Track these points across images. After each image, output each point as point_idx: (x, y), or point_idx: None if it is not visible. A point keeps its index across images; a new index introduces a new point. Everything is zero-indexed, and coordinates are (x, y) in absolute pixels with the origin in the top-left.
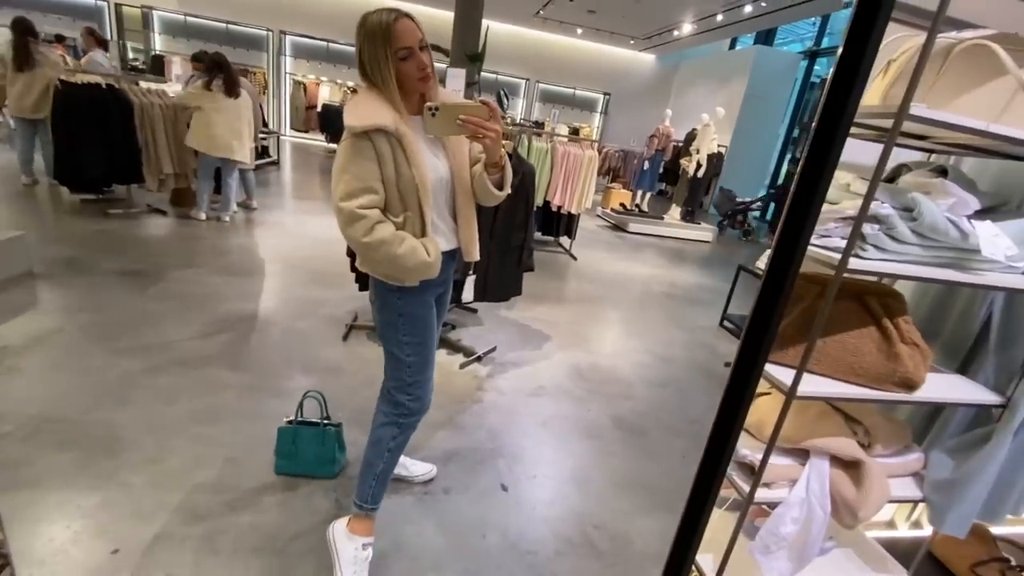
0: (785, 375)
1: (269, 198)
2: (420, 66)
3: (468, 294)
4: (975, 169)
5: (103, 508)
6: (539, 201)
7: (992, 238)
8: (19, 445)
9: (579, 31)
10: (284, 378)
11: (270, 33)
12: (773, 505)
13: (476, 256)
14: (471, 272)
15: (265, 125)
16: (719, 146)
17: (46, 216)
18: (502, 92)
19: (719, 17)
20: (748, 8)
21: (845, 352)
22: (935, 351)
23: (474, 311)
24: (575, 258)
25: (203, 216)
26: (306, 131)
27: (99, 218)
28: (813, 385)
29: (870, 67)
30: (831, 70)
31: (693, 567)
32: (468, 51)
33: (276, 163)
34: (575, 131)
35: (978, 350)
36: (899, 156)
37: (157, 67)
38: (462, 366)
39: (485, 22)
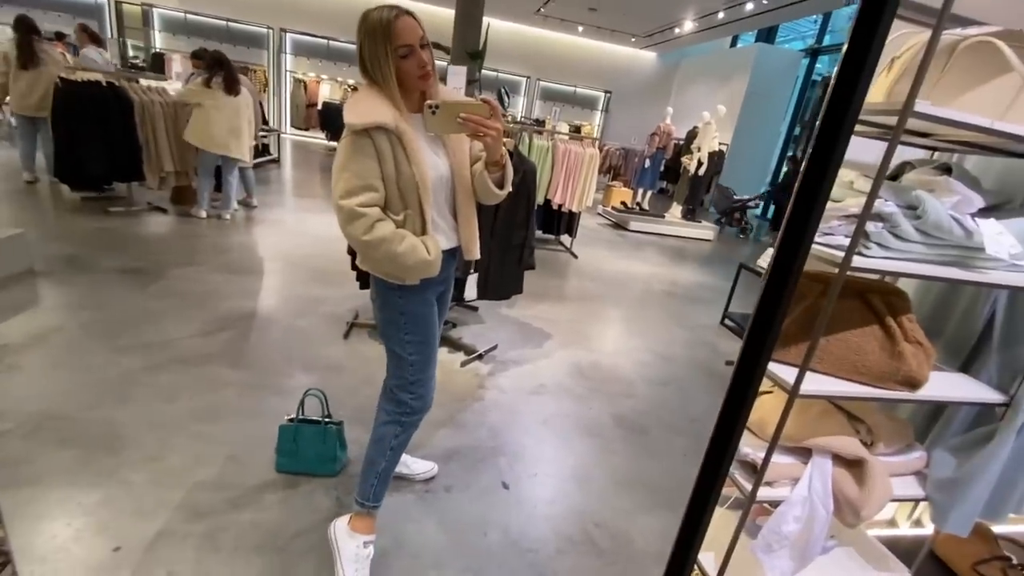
0: (788, 373)
1: (270, 196)
2: (420, 64)
3: (471, 292)
4: (979, 167)
5: (104, 505)
6: (540, 199)
7: (996, 236)
8: (20, 442)
9: (580, 29)
10: (285, 376)
11: (270, 31)
12: (775, 504)
13: (476, 255)
14: (472, 271)
15: (265, 123)
16: (720, 144)
17: (47, 214)
18: (503, 90)
19: (720, 15)
20: (749, 6)
21: (848, 351)
22: (938, 349)
23: (475, 309)
24: (576, 256)
25: (204, 214)
26: (306, 129)
27: (100, 216)
28: (816, 384)
29: (875, 64)
30: (836, 67)
31: (695, 566)
32: (469, 49)
33: (276, 161)
34: (576, 129)
35: (981, 348)
36: (903, 154)
37: (157, 65)
38: (463, 364)
39: (486, 20)
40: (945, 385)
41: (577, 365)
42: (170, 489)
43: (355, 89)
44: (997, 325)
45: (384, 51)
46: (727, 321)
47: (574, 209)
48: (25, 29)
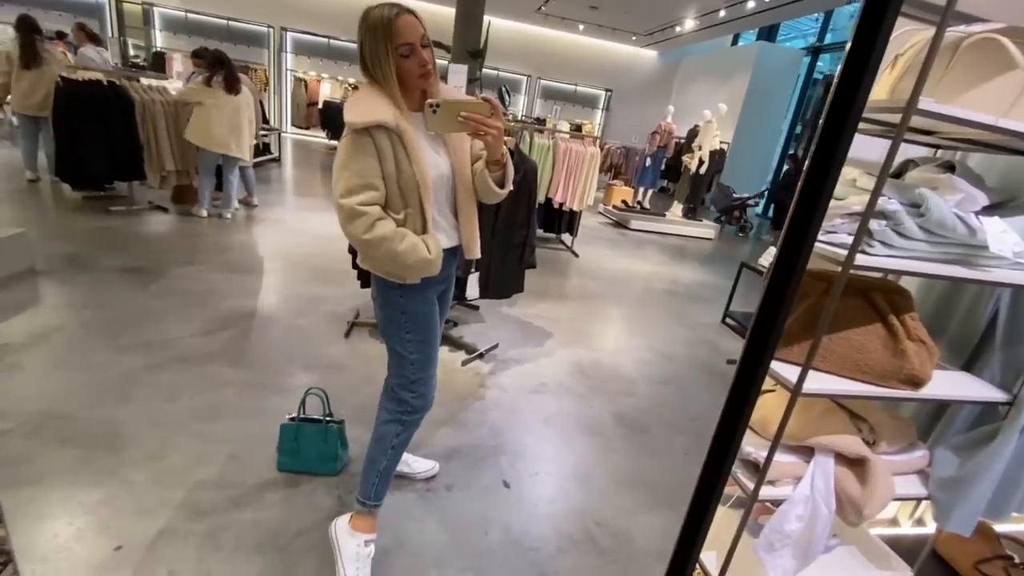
0: (790, 372)
1: (270, 195)
2: (421, 63)
3: (472, 291)
4: (982, 165)
5: (105, 504)
6: (541, 198)
7: (1000, 234)
8: (21, 442)
9: (581, 27)
10: (286, 375)
11: (271, 30)
12: (777, 503)
13: (477, 254)
14: (473, 269)
15: (266, 122)
16: (721, 143)
17: (48, 213)
18: (504, 89)
19: (721, 13)
20: (751, 4)
21: (851, 349)
22: (940, 348)
23: (476, 308)
24: (577, 255)
25: (205, 213)
26: (307, 128)
27: (101, 215)
28: (818, 382)
29: (879, 61)
30: (840, 64)
31: (696, 565)
32: (470, 47)
33: (277, 160)
34: (578, 128)
35: (984, 347)
36: (906, 151)
37: (158, 64)
38: (464, 363)
39: (487, 18)
40: (948, 384)
41: (578, 364)
42: (171, 488)
43: (356, 88)
44: (1000, 323)
45: (385, 49)
46: (728, 320)
47: (575, 208)
48: (27, 29)
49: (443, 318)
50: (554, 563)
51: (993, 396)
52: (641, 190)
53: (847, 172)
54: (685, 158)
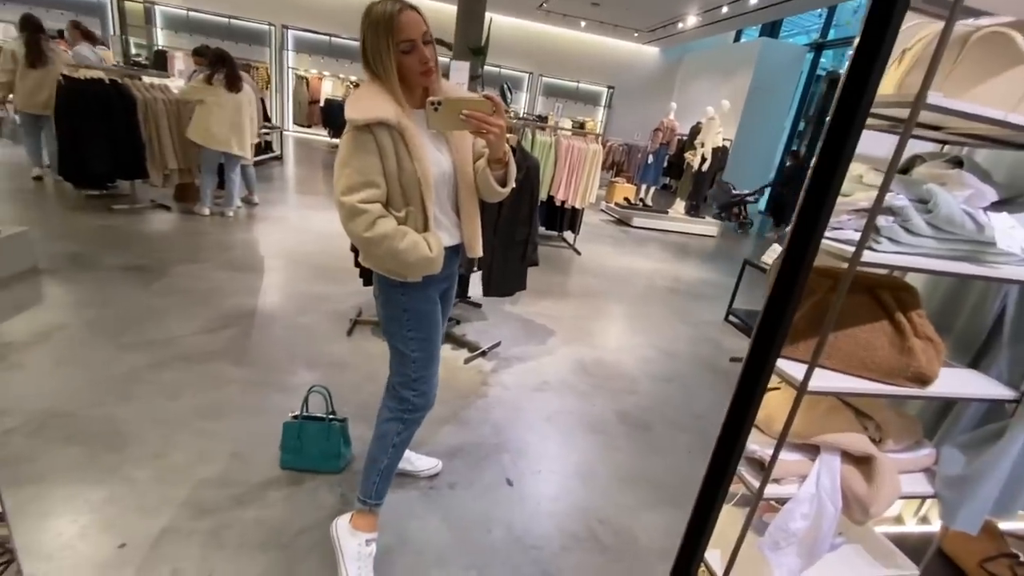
0: (796, 370)
1: (272, 193)
2: (422, 60)
3: (475, 290)
4: (989, 160)
5: (109, 502)
6: (543, 196)
7: (1008, 230)
8: (24, 440)
9: (582, 24)
10: (288, 373)
11: (272, 28)
12: (782, 501)
13: (479, 252)
14: (475, 268)
15: (267, 120)
16: (724, 140)
17: (50, 212)
18: (505, 86)
19: (724, 9)
20: (753, 0)
21: (857, 347)
22: (947, 345)
23: (478, 306)
24: (579, 253)
25: (207, 211)
26: (309, 126)
27: (103, 214)
28: (825, 380)
29: (888, 56)
30: (848, 59)
31: (701, 563)
32: (471, 44)
33: (279, 158)
34: (581, 125)
35: (991, 344)
36: (913, 147)
37: (160, 62)
38: (466, 361)
39: (488, 15)
40: (955, 381)
41: (580, 362)
42: (174, 486)
43: (357, 86)
44: (1008, 320)
45: (386, 45)
46: (731, 317)
47: (577, 205)
48: (32, 28)
49: (446, 316)
50: (557, 561)
51: (1000, 394)
52: (643, 187)
53: (853, 168)
54: (688, 155)
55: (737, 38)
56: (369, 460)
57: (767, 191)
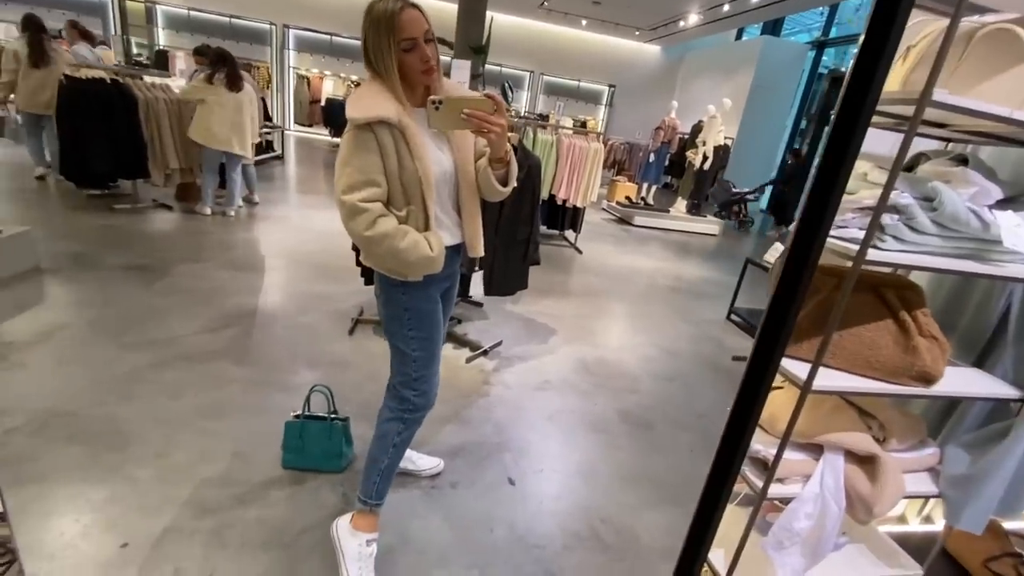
0: (800, 369)
1: (273, 192)
2: (424, 58)
3: (476, 290)
4: (993, 158)
5: (111, 502)
6: (544, 194)
7: (1014, 228)
8: (27, 439)
9: (584, 22)
10: (290, 373)
11: (273, 27)
12: (786, 501)
13: (480, 251)
14: (477, 268)
15: (269, 119)
16: (726, 138)
17: (52, 211)
18: (506, 85)
19: (725, 7)
20: None
21: (861, 346)
22: (951, 344)
23: (480, 305)
24: (580, 251)
25: (208, 211)
26: (310, 125)
27: (105, 213)
28: (829, 379)
29: (893, 53)
30: (853, 55)
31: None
32: (472, 43)
33: (280, 157)
34: (583, 124)
35: (996, 343)
36: (917, 144)
37: (161, 62)
38: (468, 360)
39: (489, 14)
40: (959, 380)
41: (582, 361)
42: (176, 485)
43: (358, 85)
44: (1012, 319)
45: (387, 43)
46: (733, 316)
47: (578, 204)
48: (34, 28)
49: (447, 316)
50: (560, 560)
51: (1005, 393)
52: (645, 186)
53: (858, 166)
54: (689, 154)
55: (738, 36)
56: (370, 460)
57: (768, 189)
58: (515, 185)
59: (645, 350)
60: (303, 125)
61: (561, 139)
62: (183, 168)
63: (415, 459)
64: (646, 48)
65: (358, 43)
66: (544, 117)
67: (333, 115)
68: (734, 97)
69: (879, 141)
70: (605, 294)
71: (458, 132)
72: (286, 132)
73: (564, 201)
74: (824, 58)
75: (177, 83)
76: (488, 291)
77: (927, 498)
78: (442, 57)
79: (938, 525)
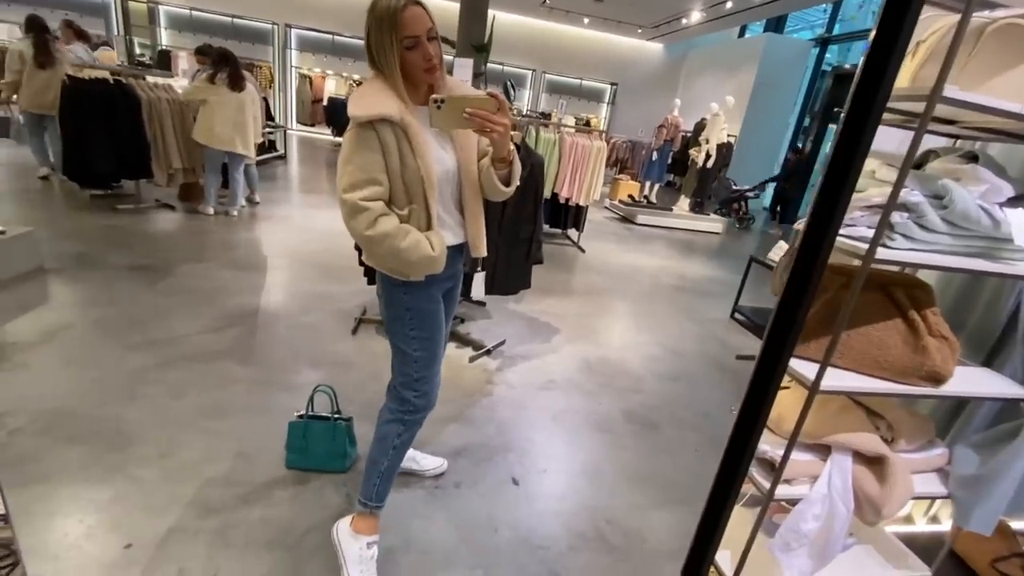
0: (807, 369)
1: (276, 192)
2: (426, 56)
3: (478, 291)
4: (1002, 154)
5: (115, 502)
6: (547, 193)
7: None
8: (30, 440)
9: (586, 20)
10: (293, 372)
11: (275, 26)
12: (793, 502)
13: (483, 252)
14: (479, 268)
15: (271, 119)
16: (729, 136)
17: (56, 212)
18: (509, 83)
19: (728, 4)
20: None
21: (870, 345)
22: (960, 343)
23: (483, 304)
24: (583, 250)
25: (211, 211)
26: (312, 125)
27: (108, 213)
28: (837, 379)
29: (905, 49)
30: (864, 52)
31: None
32: (474, 42)
33: (283, 157)
34: (587, 123)
35: (1005, 342)
36: (925, 142)
37: (164, 62)
38: (471, 360)
39: (491, 12)
40: (969, 380)
41: (586, 360)
42: (180, 485)
43: (360, 84)
44: (1022, 318)
45: (389, 40)
46: (737, 315)
47: (581, 203)
48: (39, 29)
49: (450, 316)
50: (564, 561)
51: (1015, 393)
52: (648, 184)
53: (866, 163)
54: (692, 152)
55: (741, 34)
56: (370, 462)
57: (768, 187)
58: (518, 184)
59: (649, 349)
60: (305, 124)
61: (564, 137)
62: (186, 168)
63: (419, 459)
64: (648, 46)
65: (360, 42)
66: (546, 116)
67: (335, 114)
68: (737, 95)
69: (887, 138)
70: (608, 293)
71: (461, 131)
72: (288, 131)
73: (567, 199)
74: (827, 55)
75: (180, 83)
76: (491, 290)
77: (934, 499)
78: (446, 56)
79: (945, 525)
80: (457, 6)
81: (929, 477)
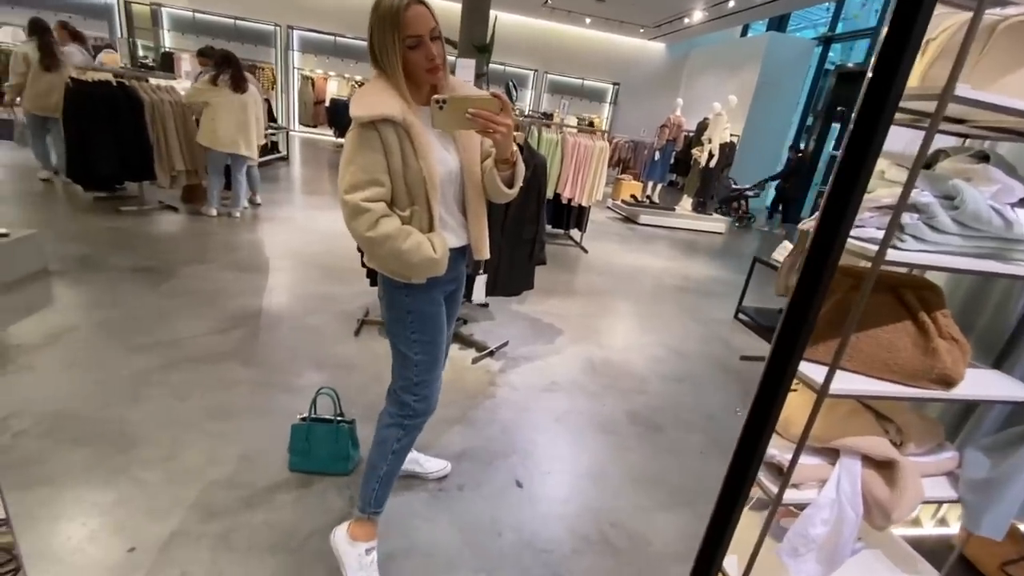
0: (816, 372)
1: (279, 193)
2: (429, 56)
3: (479, 294)
4: (1012, 154)
5: (119, 505)
6: (549, 193)
7: None
8: (35, 442)
9: (587, 20)
10: (296, 374)
11: (278, 28)
12: (801, 506)
13: (486, 254)
14: (482, 271)
15: (273, 120)
16: (731, 135)
17: (59, 214)
18: (511, 84)
19: (731, 3)
20: None
21: (879, 348)
22: (969, 345)
23: (485, 305)
24: (586, 251)
25: (214, 212)
26: (314, 126)
27: (112, 215)
28: (846, 382)
29: (918, 47)
30: (875, 50)
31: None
32: (476, 42)
33: (285, 158)
34: (590, 123)
35: (1016, 344)
36: (934, 141)
37: (167, 64)
38: (474, 361)
39: (493, 13)
40: (979, 383)
41: (589, 361)
42: (184, 488)
43: (361, 85)
44: None
45: (392, 40)
46: (741, 315)
47: (584, 203)
48: (42, 31)
49: (453, 319)
50: (569, 564)
51: None
52: (650, 184)
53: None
54: (695, 151)
55: (744, 33)
56: (369, 467)
57: (770, 186)
58: (521, 185)
59: (653, 350)
60: (308, 126)
61: (566, 138)
62: (189, 170)
63: (422, 461)
64: (650, 46)
65: (362, 43)
66: (549, 116)
67: (337, 116)
68: (740, 94)
69: (895, 138)
70: (611, 293)
71: (464, 131)
72: (291, 133)
73: (569, 200)
74: (831, 54)
75: (182, 85)
76: (494, 291)
77: (943, 503)
78: (448, 56)
79: (953, 528)
80: (459, 7)
81: (939, 481)
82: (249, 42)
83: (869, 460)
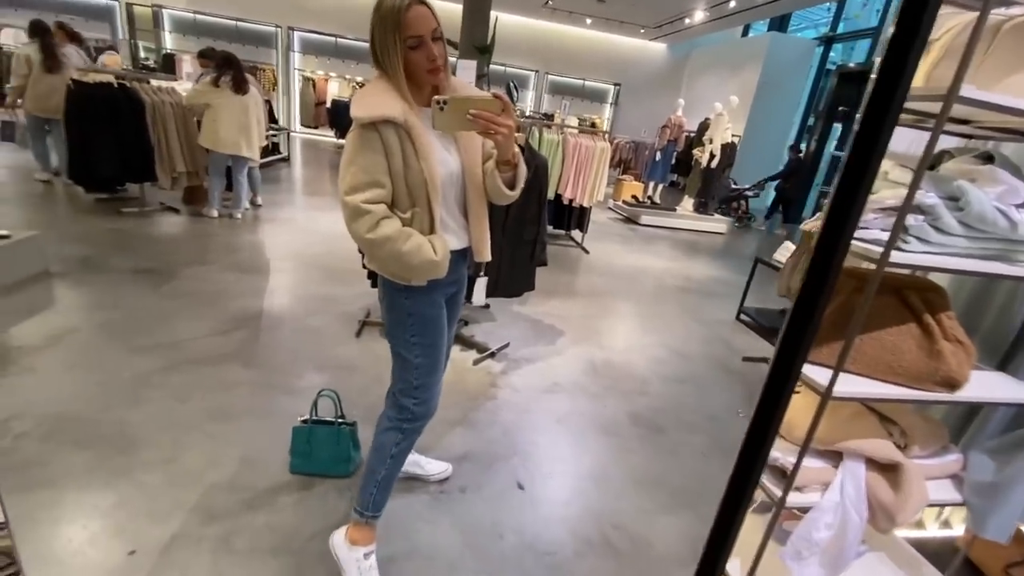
0: (819, 374)
1: (280, 195)
2: (430, 57)
3: (479, 296)
4: (1016, 154)
5: (119, 508)
6: (550, 194)
7: None
8: (36, 444)
9: (588, 21)
10: (297, 376)
11: (279, 29)
12: (805, 509)
13: (487, 256)
14: (482, 273)
15: (275, 121)
16: (733, 136)
17: (61, 215)
18: (512, 84)
19: (732, 3)
20: None
21: (883, 350)
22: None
23: (486, 306)
24: (587, 251)
25: (215, 214)
26: (316, 127)
27: (113, 217)
28: (850, 385)
29: (923, 47)
30: (881, 51)
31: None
32: (477, 43)
33: (286, 159)
34: (592, 124)
35: (1021, 345)
36: (940, 141)
37: (168, 65)
38: (475, 362)
39: (494, 14)
40: (984, 385)
41: (591, 362)
42: (184, 490)
43: (362, 86)
44: None
45: (393, 40)
46: (743, 316)
47: (585, 203)
48: (43, 33)
49: (454, 321)
50: (570, 567)
51: None
52: (651, 185)
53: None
54: (696, 152)
55: (745, 33)
56: (367, 470)
57: (769, 186)
58: (523, 186)
59: (654, 351)
60: (309, 127)
61: (567, 138)
62: (190, 171)
63: (423, 464)
64: (651, 46)
65: (363, 45)
66: (549, 116)
67: (339, 117)
68: (741, 94)
69: (898, 138)
70: (612, 294)
71: (466, 132)
72: (292, 134)
73: (570, 200)
74: (832, 54)
75: (184, 86)
76: (495, 292)
77: (948, 506)
78: (449, 57)
79: (957, 530)
80: (460, 7)
81: (943, 483)
82: (250, 43)
83: (873, 463)
